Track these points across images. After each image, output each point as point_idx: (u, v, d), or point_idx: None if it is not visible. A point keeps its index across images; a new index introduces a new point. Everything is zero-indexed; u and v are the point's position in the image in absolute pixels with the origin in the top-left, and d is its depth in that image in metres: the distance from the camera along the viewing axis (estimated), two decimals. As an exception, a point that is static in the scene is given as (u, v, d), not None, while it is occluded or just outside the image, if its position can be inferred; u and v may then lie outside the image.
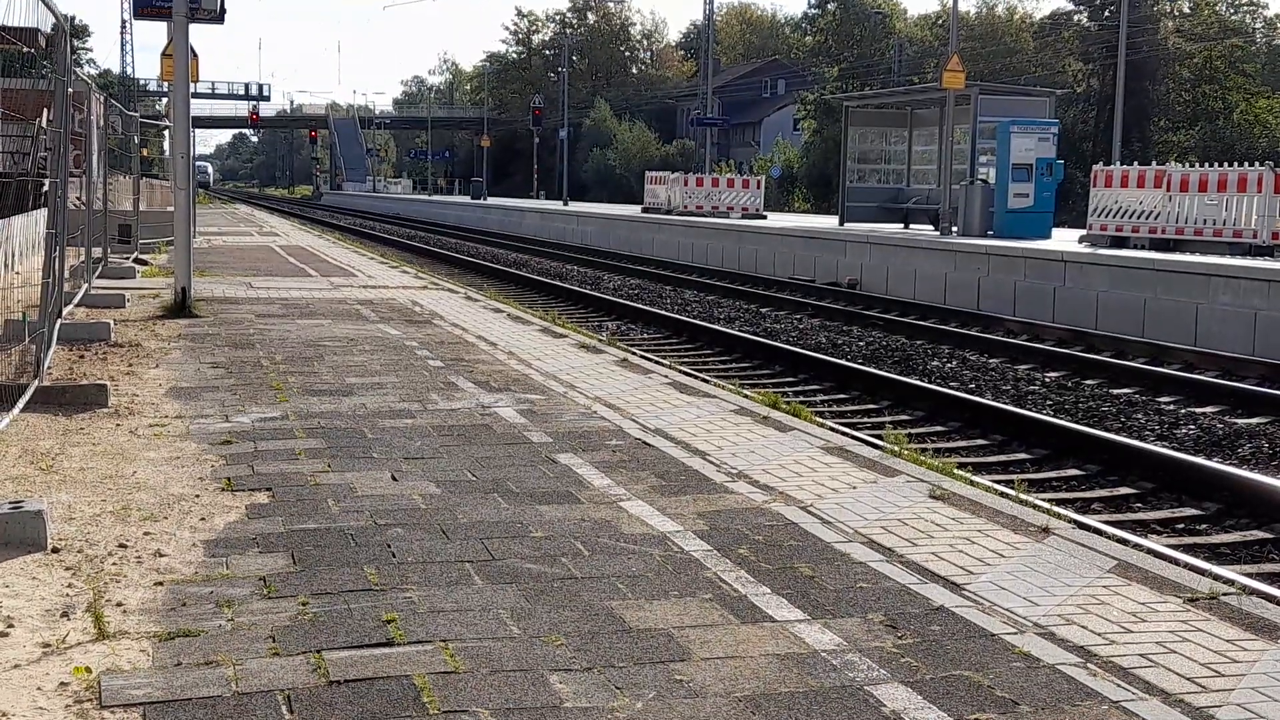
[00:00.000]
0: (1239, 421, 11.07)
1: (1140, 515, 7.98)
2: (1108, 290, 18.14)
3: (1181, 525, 7.80)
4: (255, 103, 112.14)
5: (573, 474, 6.47)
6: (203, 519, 5.44)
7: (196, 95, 18.42)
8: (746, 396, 9.41)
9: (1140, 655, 4.10)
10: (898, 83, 64.94)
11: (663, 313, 18.75)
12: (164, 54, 18.26)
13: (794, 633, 4.24)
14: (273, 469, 6.41)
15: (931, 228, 26.57)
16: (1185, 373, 13.59)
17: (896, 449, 7.67)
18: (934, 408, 11.14)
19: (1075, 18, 73.35)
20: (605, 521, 5.56)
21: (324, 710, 3.54)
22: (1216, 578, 5.30)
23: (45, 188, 10.29)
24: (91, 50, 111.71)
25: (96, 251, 16.73)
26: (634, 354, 11.87)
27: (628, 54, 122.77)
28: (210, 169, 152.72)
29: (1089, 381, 13.28)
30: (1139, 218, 20.70)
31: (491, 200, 66.50)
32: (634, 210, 42.72)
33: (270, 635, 4.09)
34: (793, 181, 71.31)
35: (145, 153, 34.01)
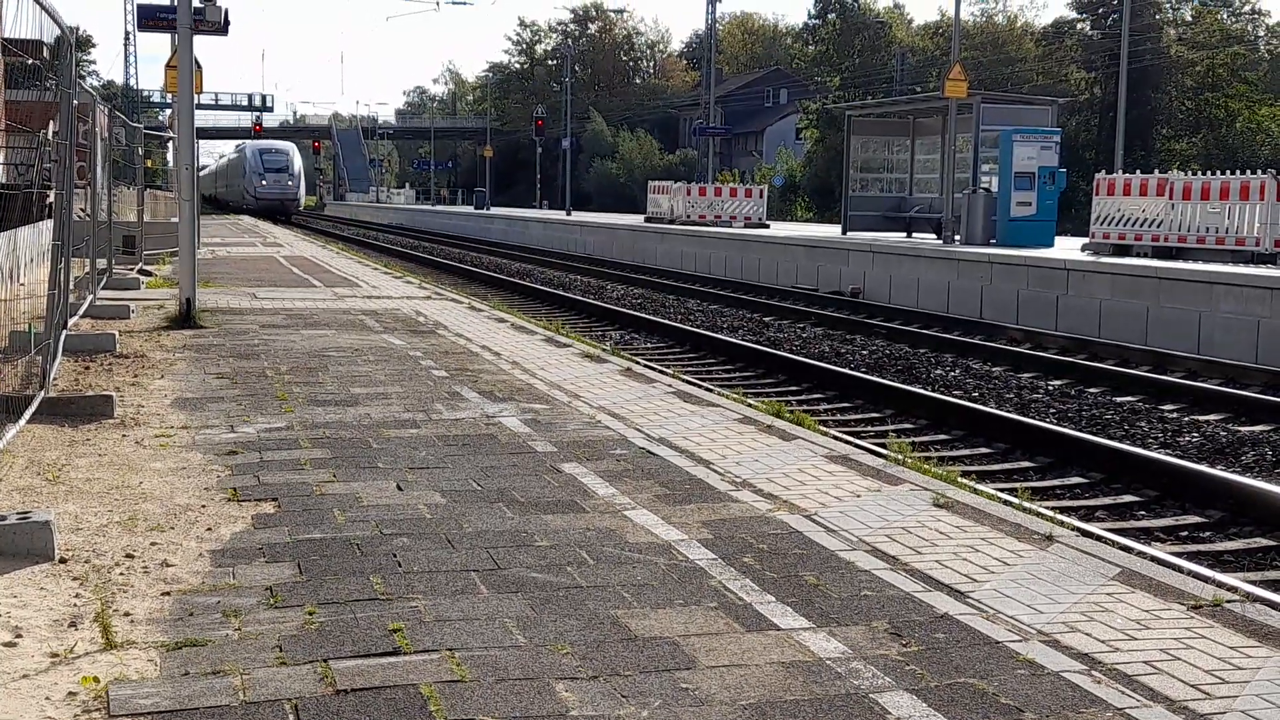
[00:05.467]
0: (1242, 429, 11.08)
1: (1144, 523, 7.99)
2: (1110, 298, 18.15)
3: (1185, 533, 7.81)
4: (259, 113, 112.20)
5: (577, 483, 6.48)
6: (209, 529, 5.46)
7: (200, 106, 18.49)
8: (750, 405, 9.42)
9: (1144, 662, 4.11)
10: (900, 92, 64.96)
11: (666, 322, 18.78)
12: (168, 65, 18.31)
13: (799, 641, 4.26)
14: (278, 479, 6.43)
15: (934, 236, 26.58)
16: (1188, 380, 13.58)
17: (900, 457, 7.68)
18: (937, 416, 11.15)
19: (1078, 26, 73.44)
20: (610, 531, 5.58)
21: (331, 719, 3.56)
22: (1220, 585, 5.32)
23: (50, 199, 10.32)
24: (95, 62, 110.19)
25: (101, 263, 16.76)
26: (638, 363, 11.89)
27: (631, 64, 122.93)
28: (296, 164, 78.03)
29: (1092, 390, 13.28)
30: (1142, 226, 20.71)
31: (495, 210, 66.50)
32: (637, 220, 42.75)
33: (277, 645, 4.10)
34: (795, 191, 71.34)
35: (149, 164, 34.06)
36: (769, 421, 8.39)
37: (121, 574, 4.82)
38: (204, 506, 5.85)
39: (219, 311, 14.82)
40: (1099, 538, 6.66)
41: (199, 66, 14.98)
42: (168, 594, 4.60)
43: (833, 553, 5.30)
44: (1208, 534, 7.79)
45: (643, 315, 19.83)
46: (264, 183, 73.67)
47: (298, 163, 77.21)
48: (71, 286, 11.43)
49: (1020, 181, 23.57)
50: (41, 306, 9.38)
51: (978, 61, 68.29)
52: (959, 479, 7.20)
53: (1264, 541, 7.53)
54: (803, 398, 12.53)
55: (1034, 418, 11.20)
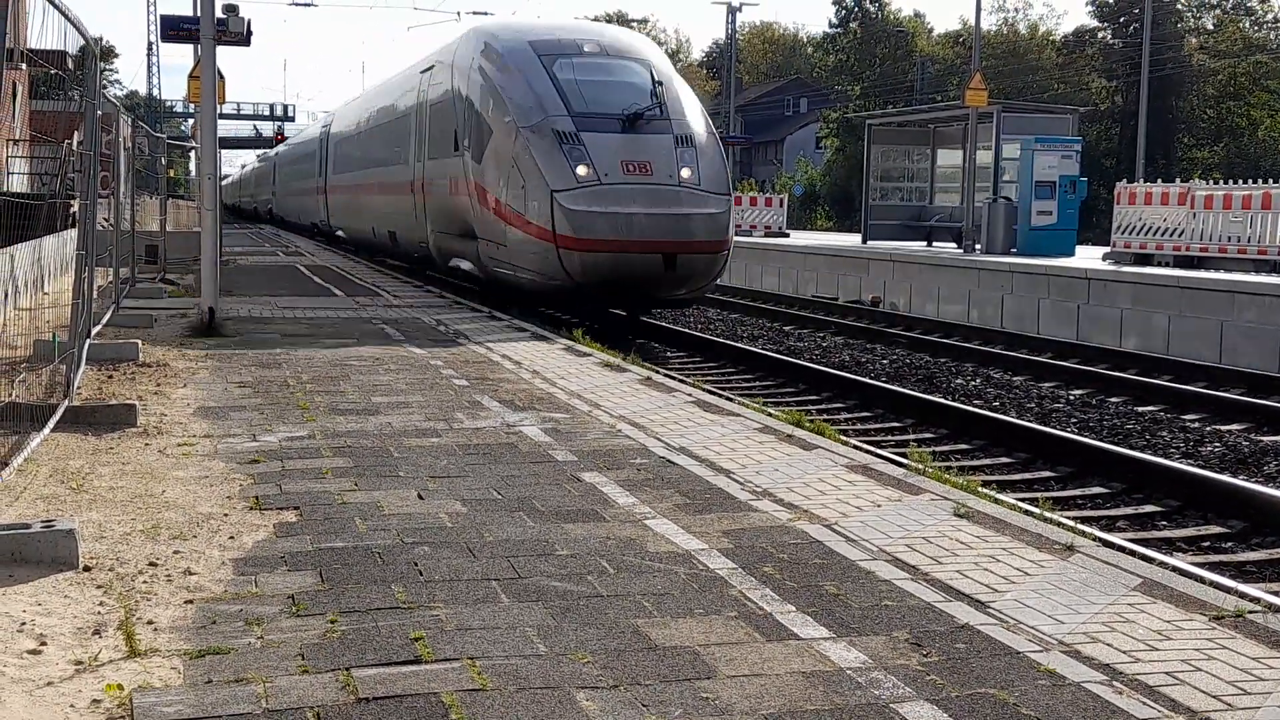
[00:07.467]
0: (1264, 439, 11.03)
1: (1165, 533, 7.96)
2: (1132, 308, 18.10)
3: (1207, 543, 7.78)
4: (280, 123, 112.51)
5: (598, 492, 6.49)
6: (231, 537, 5.49)
7: (222, 116, 18.55)
8: (770, 415, 9.42)
9: (1166, 673, 4.10)
10: (920, 101, 64.90)
11: (685, 331, 18.78)
12: (191, 76, 18.43)
13: (820, 650, 4.26)
14: (300, 488, 6.46)
15: (954, 246, 26.55)
16: (1210, 390, 13.54)
17: (921, 467, 7.67)
18: (958, 426, 11.13)
19: (1099, 34, 73.22)
20: (630, 540, 5.59)
21: (353, 727, 3.57)
22: (1242, 596, 5.30)
23: (74, 209, 10.41)
24: (118, 72, 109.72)
25: (124, 272, 16.86)
26: (657, 373, 11.89)
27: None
28: (699, 120, 15.84)
29: (1113, 399, 13.24)
30: (1163, 235, 20.66)
31: (514, 219, 66.40)
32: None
33: (299, 653, 4.12)
34: (815, 200, 71.31)
35: (171, 173, 34.22)
36: (789, 431, 8.39)
37: (145, 582, 4.85)
38: (226, 515, 5.88)
39: (241, 320, 14.89)
40: (1120, 548, 6.64)
41: (221, 77, 15.07)
42: (191, 602, 4.62)
43: (853, 562, 5.29)
44: (1230, 544, 7.76)
45: (662, 324, 19.83)
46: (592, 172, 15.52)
47: (701, 117, 16.83)
48: (95, 296, 11.52)
49: (1041, 190, 23.55)
50: (65, 316, 9.47)
51: (998, 70, 68.11)
52: (980, 489, 7.18)
53: (1287, 552, 7.50)
54: (823, 407, 12.52)
55: (1055, 427, 11.17)
